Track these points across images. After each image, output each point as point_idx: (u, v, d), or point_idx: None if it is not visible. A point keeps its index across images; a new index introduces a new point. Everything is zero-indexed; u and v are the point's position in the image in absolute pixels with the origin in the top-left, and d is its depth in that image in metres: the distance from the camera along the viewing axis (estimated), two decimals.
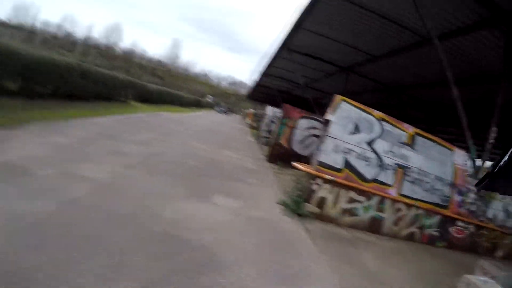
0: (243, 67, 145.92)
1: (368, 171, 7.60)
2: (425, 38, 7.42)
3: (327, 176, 6.87)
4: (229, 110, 61.08)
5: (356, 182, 7.41)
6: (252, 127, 29.59)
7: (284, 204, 6.87)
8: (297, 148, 14.03)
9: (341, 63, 12.34)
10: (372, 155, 7.56)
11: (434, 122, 15.62)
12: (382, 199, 7.79)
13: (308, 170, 6.84)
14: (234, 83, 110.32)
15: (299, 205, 6.77)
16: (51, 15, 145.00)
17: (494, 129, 5.97)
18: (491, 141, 5.96)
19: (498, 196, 8.61)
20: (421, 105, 13.76)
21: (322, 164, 6.91)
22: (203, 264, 3.29)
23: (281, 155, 13.71)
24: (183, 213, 4.56)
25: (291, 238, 5.00)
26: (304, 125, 14.21)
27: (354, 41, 9.30)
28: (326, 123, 7.07)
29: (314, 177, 6.79)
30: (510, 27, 5.74)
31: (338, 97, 7.09)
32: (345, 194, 7.31)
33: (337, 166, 7.11)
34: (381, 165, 7.71)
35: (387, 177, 7.81)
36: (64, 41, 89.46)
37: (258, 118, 30.77)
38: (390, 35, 7.93)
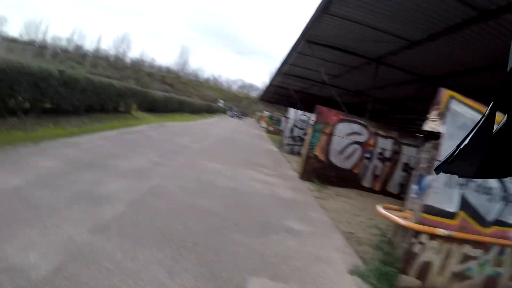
0: (253, 70, 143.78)
1: (488, 210, 4.72)
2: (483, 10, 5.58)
3: (441, 231, 4.03)
4: (242, 114, 58.07)
5: (473, 229, 4.55)
6: (269, 132, 27.10)
7: (362, 276, 4.10)
8: (336, 160, 11.15)
9: (370, 54, 10.98)
10: (496, 184, 4.69)
11: None
12: (503, 248, 4.98)
13: (408, 224, 3.98)
14: (245, 86, 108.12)
15: (389, 278, 3.99)
16: (61, 29, 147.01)
17: None
18: None
19: None
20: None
21: (429, 210, 4.04)
22: None
23: (317, 171, 10.88)
24: None
25: None
26: (343, 130, 11.33)
27: (388, 25, 7.70)
28: (429, 138, 4.22)
29: (416, 233, 3.98)
30: None
31: (446, 93, 4.19)
32: (457, 251, 4.46)
33: (450, 210, 4.23)
34: (506, 197, 4.86)
35: (511, 213, 4.98)
36: (74, 54, 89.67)
37: (274, 121, 28.80)
38: (435, 12, 6.23)
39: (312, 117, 11.41)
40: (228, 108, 60.29)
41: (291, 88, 27.33)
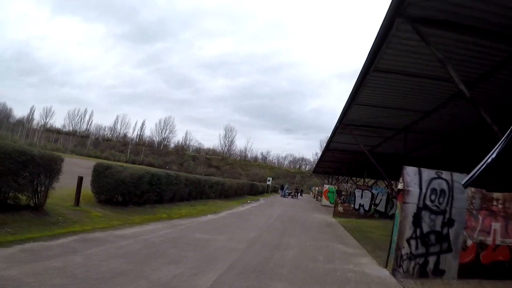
0: (303, 144, 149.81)
1: None
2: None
3: None
4: (297, 191, 50.35)
5: None
6: (339, 214, 19.17)
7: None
8: None
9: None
10: None
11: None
12: None
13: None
14: (296, 161, 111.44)
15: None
16: (106, 119, 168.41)
17: None
18: None
19: None
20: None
21: None
22: None
23: None
24: None
25: None
26: None
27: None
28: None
29: None
30: None
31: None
32: None
33: None
34: None
35: None
36: (116, 142, 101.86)
37: (343, 196, 22.23)
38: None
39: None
40: (279, 186, 53.00)
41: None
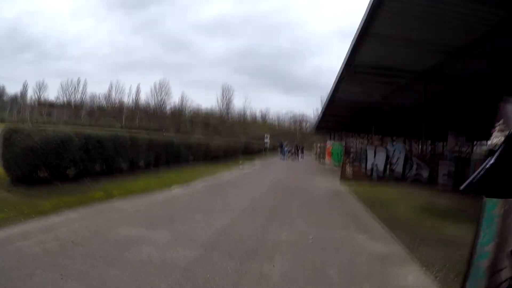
0: (303, 102, 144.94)
1: None
2: None
3: None
4: (297, 149, 42.39)
5: None
6: (347, 177, 15.14)
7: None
8: None
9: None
10: None
11: None
12: None
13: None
14: (296, 119, 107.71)
15: None
16: (100, 87, 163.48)
17: None
18: None
19: None
20: None
21: None
22: None
23: None
24: None
25: None
26: None
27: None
28: None
29: None
30: None
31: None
32: None
33: None
34: None
35: None
36: (111, 110, 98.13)
37: (351, 155, 16.36)
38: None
39: None
40: (278, 144, 43.87)
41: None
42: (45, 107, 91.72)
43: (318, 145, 47.90)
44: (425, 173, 14.61)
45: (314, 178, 16.75)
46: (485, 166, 4.03)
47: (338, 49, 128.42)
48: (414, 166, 14.64)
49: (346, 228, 6.41)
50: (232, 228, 5.85)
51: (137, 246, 4.52)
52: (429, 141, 21.73)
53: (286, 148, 40.33)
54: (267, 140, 50.65)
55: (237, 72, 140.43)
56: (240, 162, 22.11)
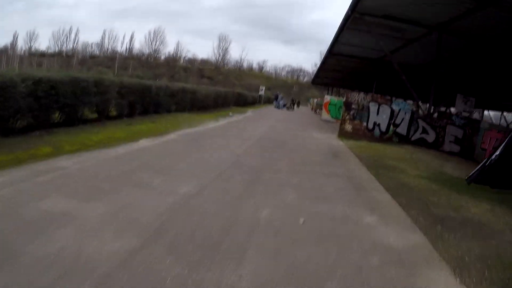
0: (302, 55, 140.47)
1: None
2: None
3: None
4: (293, 103, 43.39)
5: None
6: (346, 133, 13.74)
7: None
8: None
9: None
10: None
11: None
12: None
13: None
14: (294, 71, 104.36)
15: None
16: (93, 36, 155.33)
17: None
18: None
19: None
20: None
21: None
22: None
23: None
24: None
25: None
26: None
27: None
28: None
29: None
30: None
31: None
32: None
33: None
34: None
35: None
36: (103, 58, 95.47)
37: (352, 110, 13.97)
38: None
39: None
40: (273, 96, 46.16)
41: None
42: (35, 57, 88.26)
43: (315, 100, 47.06)
44: (430, 138, 13.34)
45: (310, 133, 15.14)
46: (490, 158, 4.49)
47: (341, 3, 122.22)
48: (420, 129, 13.24)
49: (349, 204, 4.96)
50: (196, 200, 4.37)
51: (52, 231, 3.09)
52: (438, 104, 20.50)
53: (281, 102, 40.01)
54: (262, 92, 48.35)
55: (236, 22, 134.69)
56: (230, 113, 20.14)
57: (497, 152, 4.76)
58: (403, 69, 13.30)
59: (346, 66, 24.56)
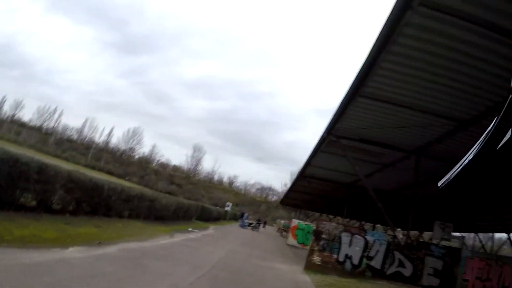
0: (273, 174, 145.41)
1: None
2: None
3: None
4: (259, 222, 42.35)
5: None
6: (314, 266, 12.16)
7: None
8: None
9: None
10: None
11: None
12: None
13: None
14: (263, 190, 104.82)
15: None
16: (76, 121, 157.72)
17: None
18: None
19: None
20: None
21: None
22: None
23: None
24: None
25: None
26: None
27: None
28: None
29: None
30: None
31: None
32: None
33: None
34: None
35: None
36: (79, 144, 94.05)
37: (322, 241, 12.69)
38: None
39: None
40: (239, 214, 43.56)
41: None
42: (15, 125, 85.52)
43: (282, 221, 46.12)
44: (407, 271, 12.13)
45: (273, 263, 13.17)
46: (463, 162, 4.36)
47: (314, 127, 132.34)
48: (396, 262, 12.12)
49: None
50: None
51: None
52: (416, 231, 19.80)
53: (246, 221, 38.80)
54: (228, 208, 46.68)
55: (212, 135, 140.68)
56: (190, 228, 18.12)
57: (470, 157, 4.34)
58: (377, 194, 12.81)
59: (317, 189, 24.24)
